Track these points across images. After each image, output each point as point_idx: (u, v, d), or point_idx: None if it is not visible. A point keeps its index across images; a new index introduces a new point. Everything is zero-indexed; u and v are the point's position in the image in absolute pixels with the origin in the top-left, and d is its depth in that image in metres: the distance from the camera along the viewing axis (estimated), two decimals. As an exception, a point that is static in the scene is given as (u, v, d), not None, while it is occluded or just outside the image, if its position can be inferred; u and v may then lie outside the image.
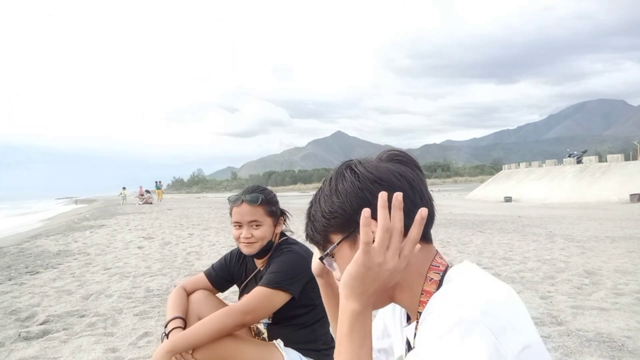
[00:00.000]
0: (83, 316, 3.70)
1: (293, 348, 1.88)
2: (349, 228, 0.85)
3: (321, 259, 0.91)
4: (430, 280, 0.86)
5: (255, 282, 2.01)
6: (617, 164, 35.13)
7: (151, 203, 30.64)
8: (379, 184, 0.83)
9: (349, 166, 0.89)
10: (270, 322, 1.96)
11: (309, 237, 0.93)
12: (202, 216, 16.46)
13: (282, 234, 2.05)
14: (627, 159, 37.35)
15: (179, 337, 1.69)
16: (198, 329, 1.70)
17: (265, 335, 1.95)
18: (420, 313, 0.84)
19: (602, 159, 40.67)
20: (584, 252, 6.91)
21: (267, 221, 1.93)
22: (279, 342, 1.87)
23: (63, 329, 3.36)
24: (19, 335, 3.20)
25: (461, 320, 0.70)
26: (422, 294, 0.85)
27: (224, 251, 7.38)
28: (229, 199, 1.99)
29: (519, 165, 50.25)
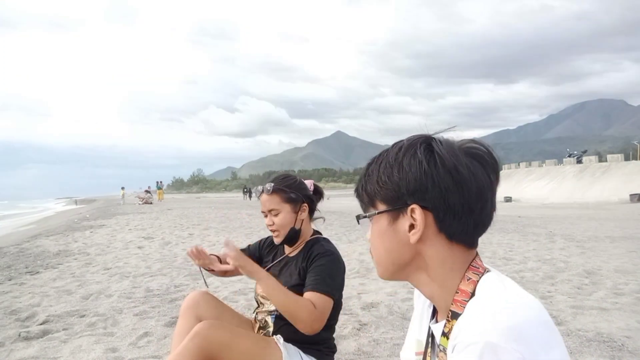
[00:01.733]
0: (83, 316, 3.70)
1: (294, 345, 1.88)
2: (396, 204, 0.83)
3: (358, 217, 0.90)
4: (468, 280, 0.83)
5: (281, 267, 2.04)
6: (617, 164, 35.11)
7: (151, 203, 30.64)
8: (449, 176, 0.78)
9: (427, 142, 0.82)
10: (276, 315, 1.95)
11: (356, 192, 0.90)
12: (202, 216, 16.46)
13: (315, 231, 2.10)
14: (627, 159, 37.34)
15: (272, 279, 1.80)
16: (284, 294, 1.78)
17: (271, 329, 1.95)
18: (452, 312, 0.82)
19: (602, 159, 40.65)
20: (584, 252, 6.91)
21: (286, 208, 1.97)
22: (278, 338, 1.87)
23: (63, 329, 3.36)
24: (19, 335, 3.20)
25: (492, 349, 0.67)
26: (457, 292, 0.83)
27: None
28: (253, 191, 2.11)
29: (519, 165, 50.24)
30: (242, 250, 2.18)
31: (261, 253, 2.19)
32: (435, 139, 0.82)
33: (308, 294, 1.81)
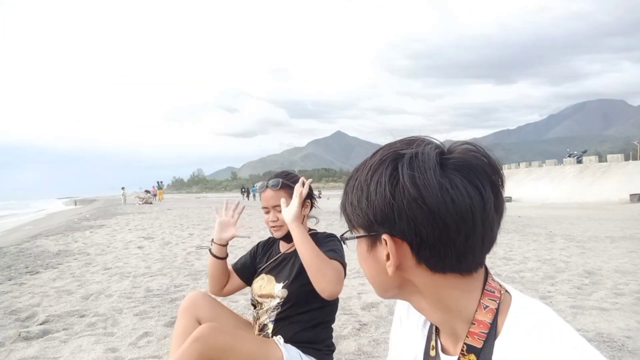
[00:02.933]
0: (83, 316, 3.70)
1: (294, 345, 1.88)
2: (369, 231, 0.73)
3: (342, 238, 0.80)
4: (485, 309, 0.71)
5: (279, 264, 2.04)
6: (617, 164, 35.12)
7: (151, 203, 30.65)
8: (416, 206, 0.65)
9: (393, 166, 0.68)
10: (276, 316, 1.95)
11: (340, 209, 0.79)
12: (202, 216, 16.46)
13: (310, 229, 2.08)
14: (627, 159, 37.34)
15: (304, 231, 1.78)
16: (316, 253, 1.72)
17: (270, 330, 1.95)
18: (467, 345, 0.71)
19: (602, 159, 40.66)
20: (584, 252, 6.91)
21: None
22: (279, 339, 1.86)
23: (63, 329, 3.36)
24: (19, 335, 3.20)
25: None
26: (473, 323, 0.71)
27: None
28: (256, 186, 2.10)
29: (519, 165, 50.24)
30: (233, 265, 2.21)
31: (255, 258, 2.19)
32: (405, 155, 0.68)
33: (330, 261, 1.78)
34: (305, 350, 1.89)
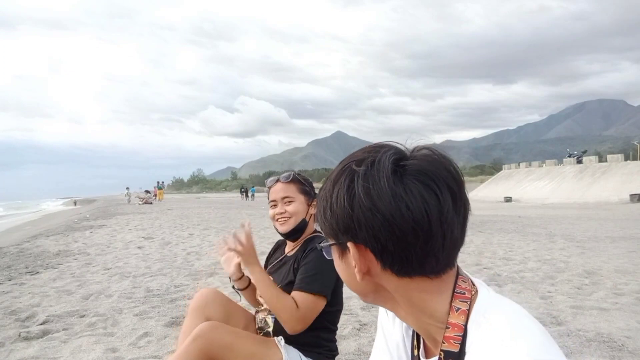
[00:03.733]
0: (83, 316, 3.70)
1: (294, 347, 1.87)
2: (338, 239, 0.74)
3: (320, 248, 0.82)
4: (457, 311, 0.72)
5: (281, 266, 2.04)
6: (617, 164, 35.11)
7: (151, 203, 30.66)
8: (371, 215, 0.68)
9: (350, 177, 0.71)
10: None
11: (315, 219, 0.85)
12: (202, 216, 16.46)
13: (316, 231, 2.09)
14: (627, 159, 37.35)
15: (264, 273, 1.82)
16: (271, 290, 1.79)
17: (271, 329, 1.95)
18: (444, 351, 0.72)
19: (602, 159, 40.66)
20: (584, 252, 6.91)
21: (300, 198, 1.97)
22: (279, 340, 1.86)
23: (63, 329, 3.36)
24: (19, 335, 3.20)
25: None
26: (447, 327, 0.72)
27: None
28: (266, 182, 2.08)
29: (519, 165, 50.25)
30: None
31: (270, 260, 2.20)
32: (359, 169, 0.70)
33: (294, 293, 1.81)
34: (306, 352, 1.88)
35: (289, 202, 1.96)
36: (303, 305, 1.78)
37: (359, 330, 3.30)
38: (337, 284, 1.94)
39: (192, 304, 1.98)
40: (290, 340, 1.87)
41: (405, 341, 0.90)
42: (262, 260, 2.15)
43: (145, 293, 4.47)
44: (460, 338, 0.71)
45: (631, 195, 26.91)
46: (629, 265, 5.80)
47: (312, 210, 2.02)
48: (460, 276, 0.76)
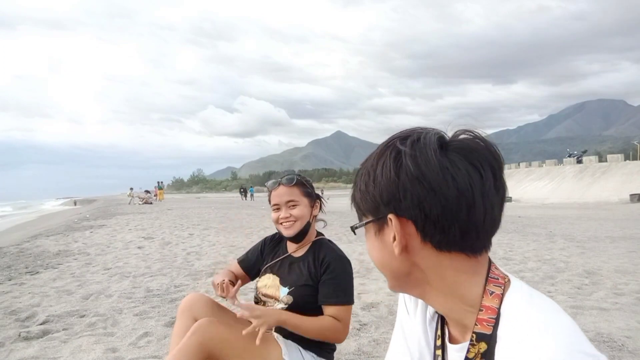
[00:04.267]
0: (83, 316, 3.70)
1: (295, 341, 1.88)
2: (378, 214, 0.76)
3: (352, 228, 0.84)
4: (491, 294, 0.74)
5: (283, 265, 2.04)
6: (617, 164, 35.11)
7: (151, 203, 30.65)
8: (418, 184, 0.69)
9: (396, 150, 0.72)
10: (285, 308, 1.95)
11: (351, 200, 0.83)
12: (202, 216, 16.46)
13: (319, 232, 2.11)
14: (627, 159, 37.35)
15: (291, 317, 1.82)
16: (307, 323, 1.82)
17: (273, 328, 1.96)
18: (477, 333, 0.73)
19: (602, 159, 40.66)
20: (584, 252, 6.91)
21: (304, 201, 1.98)
22: (278, 335, 1.87)
23: (63, 329, 3.36)
24: (19, 335, 3.20)
25: None
26: (481, 309, 0.73)
27: (224, 251, 7.39)
28: (266, 185, 2.07)
29: (519, 165, 50.24)
30: (240, 259, 2.23)
31: (263, 255, 2.18)
32: (407, 140, 0.72)
33: (331, 309, 1.87)
34: (306, 347, 1.89)
35: (294, 205, 1.96)
36: (345, 317, 1.87)
37: (359, 330, 3.30)
38: None
39: (180, 307, 2.00)
40: (291, 335, 1.88)
41: (428, 333, 0.89)
42: (247, 242, 2.15)
43: (145, 293, 4.47)
44: (494, 321, 0.72)
45: (631, 195, 26.91)
46: (629, 265, 5.80)
47: (315, 212, 2.04)
48: (493, 263, 0.78)
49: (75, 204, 53.92)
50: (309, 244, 2.03)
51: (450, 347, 0.81)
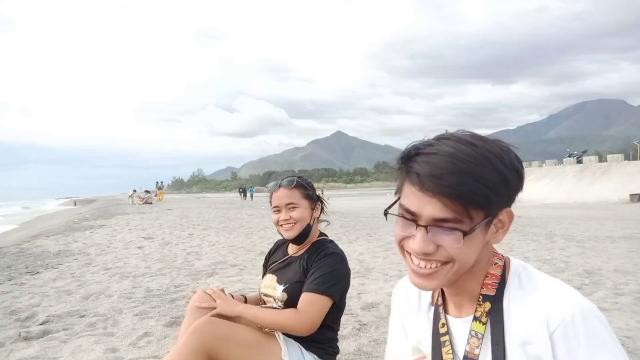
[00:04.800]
0: (83, 316, 3.70)
1: (297, 341, 1.88)
2: (492, 210, 0.82)
3: (471, 229, 0.81)
4: (494, 265, 0.91)
5: (284, 267, 2.05)
6: (617, 164, 35.11)
7: (151, 203, 30.64)
8: (516, 175, 0.84)
9: (495, 151, 0.82)
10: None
11: (454, 189, 0.78)
12: (202, 216, 16.45)
13: (321, 233, 2.11)
14: (627, 159, 37.34)
15: (251, 308, 1.86)
16: (264, 314, 1.84)
17: None
18: (483, 295, 0.88)
19: (602, 159, 40.64)
20: (584, 252, 6.91)
21: (304, 203, 1.98)
22: (278, 333, 1.88)
23: (63, 329, 3.36)
24: (19, 335, 3.20)
25: (592, 311, 0.78)
26: (487, 276, 0.89)
27: (224, 251, 7.39)
28: (267, 187, 2.09)
29: (519, 165, 50.16)
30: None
31: (269, 263, 2.20)
32: (473, 133, 0.85)
33: (303, 295, 1.85)
34: (307, 347, 1.89)
35: (294, 208, 1.96)
36: (308, 305, 1.82)
37: (359, 330, 3.30)
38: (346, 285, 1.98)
39: (190, 303, 1.99)
40: (294, 335, 1.88)
41: (428, 321, 1.00)
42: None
43: (145, 293, 4.47)
44: (497, 285, 0.88)
45: (631, 195, 26.91)
46: (629, 265, 5.80)
47: (316, 214, 2.04)
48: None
49: (75, 204, 53.87)
50: (310, 245, 2.04)
51: (452, 321, 0.94)
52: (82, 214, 22.37)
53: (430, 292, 1.01)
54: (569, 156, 43.08)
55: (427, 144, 0.84)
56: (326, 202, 2.14)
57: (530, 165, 47.56)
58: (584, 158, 40.06)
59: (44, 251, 7.84)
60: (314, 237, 2.06)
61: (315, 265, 1.91)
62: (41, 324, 3.47)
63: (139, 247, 7.99)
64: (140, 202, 30.75)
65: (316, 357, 1.90)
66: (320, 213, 2.09)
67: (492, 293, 0.88)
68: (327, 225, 2.18)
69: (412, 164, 0.82)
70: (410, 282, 0.92)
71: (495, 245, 0.93)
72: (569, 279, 4.97)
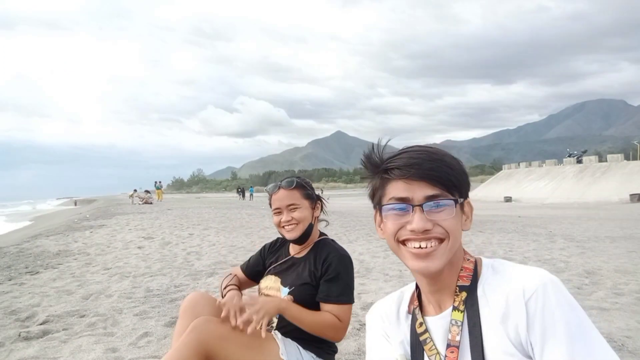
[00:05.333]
0: (83, 316, 3.70)
1: (295, 341, 1.88)
2: (463, 193, 0.98)
3: (456, 201, 0.96)
4: (467, 260, 1.01)
5: (287, 268, 2.04)
6: (617, 164, 35.11)
7: (151, 203, 30.65)
8: (466, 174, 0.99)
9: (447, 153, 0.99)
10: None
11: (438, 174, 0.94)
12: (202, 216, 16.45)
13: (321, 232, 2.12)
14: (627, 159, 37.33)
15: (293, 307, 1.83)
16: (308, 316, 1.83)
17: (275, 324, 1.97)
18: (459, 286, 0.97)
19: (602, 159, 40.64)
20: (584, 252, 6.91)
21: (305, 204, 1.99)
22: (276, 332, 1.88)
23: (63, 329, 3.36)
24: (19, 335, 3.20)
25: (555, 282, 0.92)
26: (461, 269, 0.99)
27: (224, 251, 7.39)
28: (266, 189, 2.08)
29: (519, 165, 50.21)
30: (243, 265, 2.23)
31: (265, 260, 2.18)
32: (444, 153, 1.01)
33: (330, 307, 1.86)
34: (305, 346, 1.89)
35: (295, 208, 1.96)
36: (345, 316, 1.87)
37: (359, 330, 3.29)
38: None
39: (182, 307, 1.99)
40: (293, 334, 1.88)
41: (406, 326, 1.07)
42: (241, 253, 2.16)
43: (145, 293, 4.47)
44: (471, 277, 0.98)
45: (631, 195, 26.91)
46: (629, 265, 5.80)
47: (317, 213, 2.04)
48: None
49: (75, 204, 53.79)
50: (312, 245, 2.04)
51: (432, 320, 1.01)
52: (82, 214, 22.37)
53: (407, 303, 1.10)
54: (569, 156, 43.06)
55: (393, 154, 0.99)
56: (325, 201, 2.14)
57: (530, 165, 47.54)
58: (584, 158, 40.04)
59: (44, 251, 7.84)
60: (315, 236, 2.06)
61: (331, 272, 1.91)
62: (41, 324, 3.47)
63: (139, 247, 7.99)
64: (140, 202, 30.76)
65: (314, 356, 1.90)
66: (321, 212, 2.09)
67: (467, 283, 0.97)
68: (327, 225, 2.18)
69: (388, 165, 0.96)
70: (382, 304, 1.12)
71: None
72: (569, 278, 4.97)
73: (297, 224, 1.96)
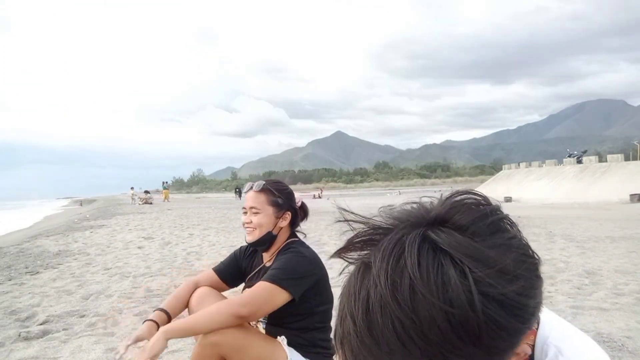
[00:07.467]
0: (83, 316, 3.70)
1: (294, 348, 1.88)
2: None
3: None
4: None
5: (258, 277, 2.00)
6: (617, 164, 35.12)
7: (151, 203, 30.65)
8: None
9: (433, 248, 0.47)
10: (267, 322, 1.96)
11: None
12: (202, 216, 16.45)
13: (294, 234, 2.05)
14: (627, 159, 37.33)
15: (177, 323, 1.73)
16: (196, 318, 1.72)
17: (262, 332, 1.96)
18: None
19: (602, 159, 40.64)
20: (584, 252, 6.91)
21: (267, 210, 1.93)
22: (282, 339, 1.87)
23: (63, 329, 3.36)
24: (19, 335, 3.20)
25: None
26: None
27: (224, 251, 7.38)
28: (243, 186, 2.07)
29: (519, 165, 50.23)
30: (217, 268, 2.13)
31: (240, 264, 2.12)
32: (434, 229, 0.50)
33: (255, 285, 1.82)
34: (304, 353, 1.89)
35: (256, 212, 1.92)
36: (253, 291, 1.77)
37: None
38: (323, 280, 1.92)
39: (190, 301, 1.99)
40: (289, 342, 1.87)
41: None
42: (231, 250, 2.13)
43: (145, 293, 4.47)
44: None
45: (631, 195, 26.89)
46: (629, 265, 5.79)
47: (283, 223, 1.96)
48: None
49: (81, 204, 53.45)
50: (277, 253, 1.97)
51: None
52: (82, 214, 22.37)
53: None
54: (569, 156, 43.06)
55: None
56: (307, 214, 2.08)
57: (530, 165, 47.55)
58: (584, 158, 40.03)
59: (44, 251, 7.84)
60: (281, 244, 1.99)
61: (276, 263, 1.88)
62: (41, 324, 3.47)
63: (139, 247, 7.99)
64: (140, 202, 30.76)
65: None
66: (295, 225, 2.02)
67: None
68: (305, 237, 2.08)
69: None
70: None
71: None
72: (568, 279, 4.97)
73: (254, 228, 1.92)
